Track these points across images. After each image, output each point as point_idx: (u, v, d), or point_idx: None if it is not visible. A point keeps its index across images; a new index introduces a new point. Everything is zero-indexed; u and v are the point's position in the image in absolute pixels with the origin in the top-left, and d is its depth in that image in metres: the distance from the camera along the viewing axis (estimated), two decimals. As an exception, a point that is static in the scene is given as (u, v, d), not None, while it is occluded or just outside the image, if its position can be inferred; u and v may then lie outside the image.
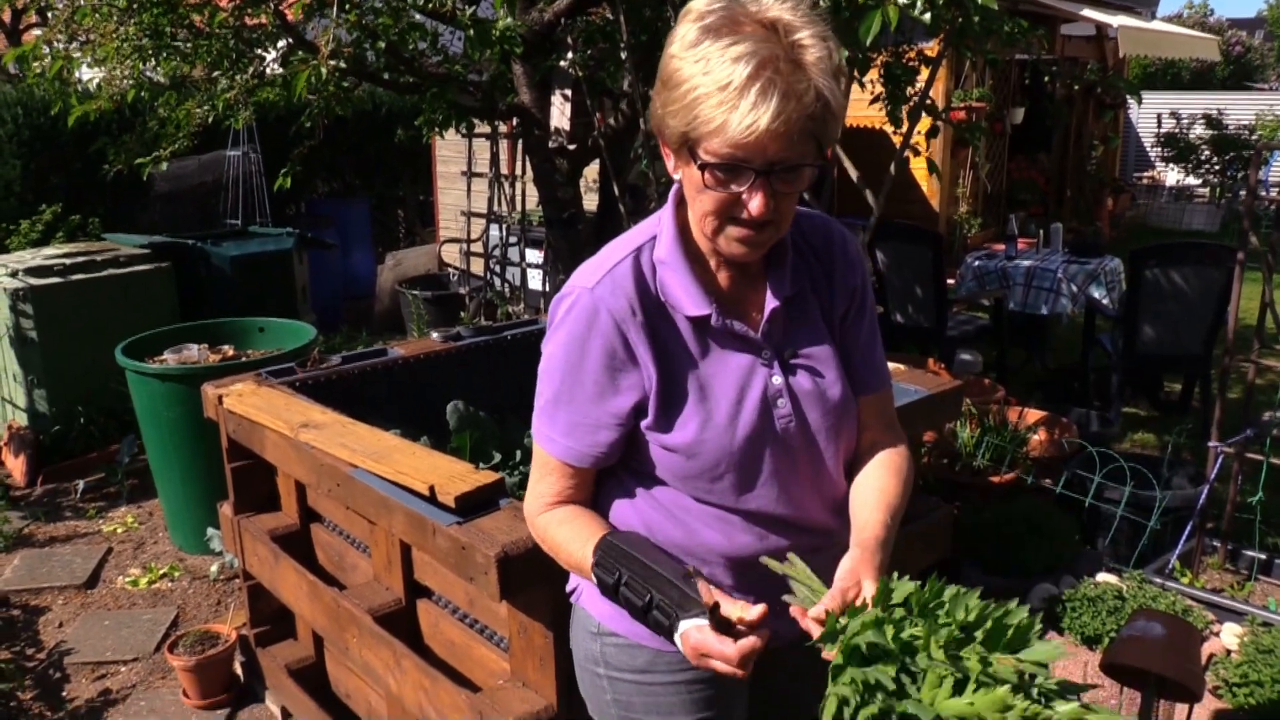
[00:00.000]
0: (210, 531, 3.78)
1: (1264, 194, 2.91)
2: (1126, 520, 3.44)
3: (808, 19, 1.27)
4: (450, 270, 7.97)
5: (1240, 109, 15.15)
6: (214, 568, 3.91)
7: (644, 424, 1.42)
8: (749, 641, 1.24)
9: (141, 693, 3.21)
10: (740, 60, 1.22)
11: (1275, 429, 3.94)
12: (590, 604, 1.55)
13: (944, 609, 1.24)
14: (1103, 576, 3.03)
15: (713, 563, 1.48)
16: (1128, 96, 12.49)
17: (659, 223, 1.47)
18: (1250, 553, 3.24)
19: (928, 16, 2.28)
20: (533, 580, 1.90)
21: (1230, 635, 2.75)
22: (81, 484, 4.72)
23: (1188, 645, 2.03)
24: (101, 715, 3.10)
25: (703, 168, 1.28)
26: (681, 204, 1.45)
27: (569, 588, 1.61)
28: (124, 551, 4.19)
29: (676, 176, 1.39)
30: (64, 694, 3.23)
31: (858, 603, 1.27)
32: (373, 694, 2.78)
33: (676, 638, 1.29)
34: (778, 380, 1.44)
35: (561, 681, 2.01)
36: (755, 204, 1.29)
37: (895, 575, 1.31)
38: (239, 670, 3.22)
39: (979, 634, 1.21)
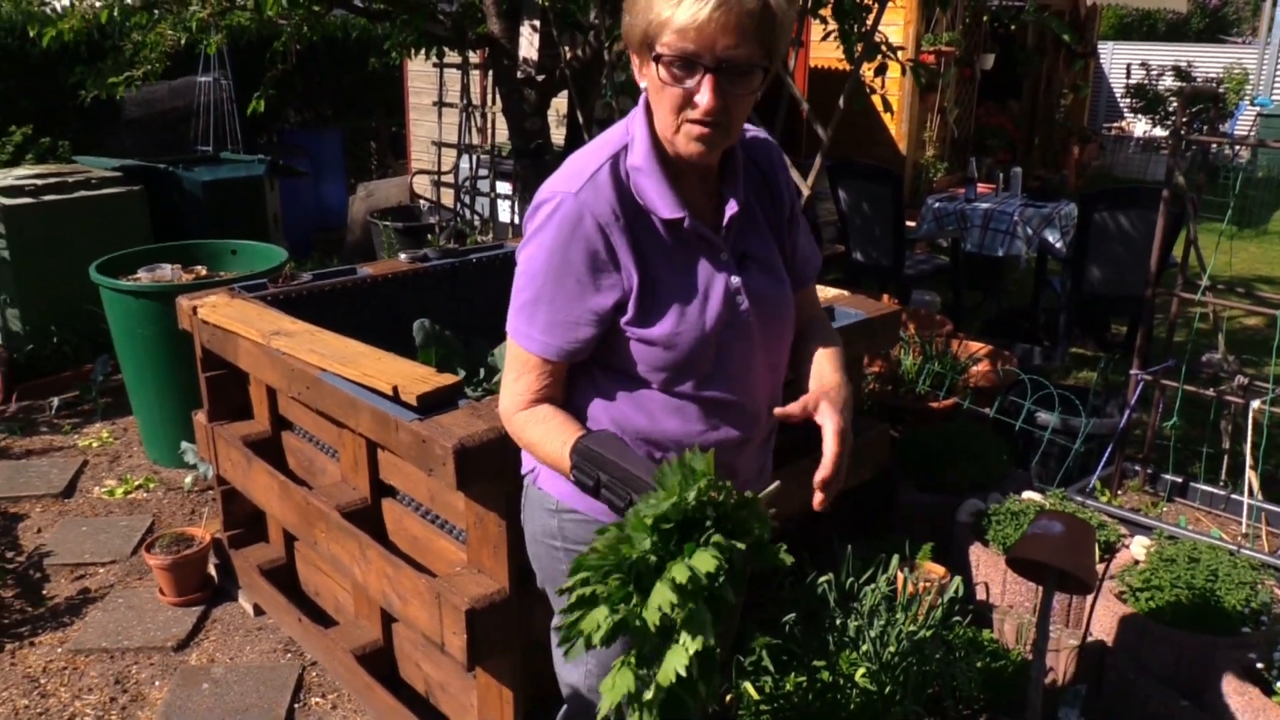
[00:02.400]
0: (184, 445, 3.91)
1: (1190, 137, 3.04)
2: (1057, 445, 3.66)
3: None
4: (422, 201, 8.04)
5: (1210, 61, 15.30)
6: (188, 479, 4.06)
7: (624, 320, 1.55)
8: None
9: (119, 591, 3.37)
10: None
11: (1213, 369, 4.16)
12: (548, 484, 1.70)
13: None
14: (1028, 494, 3.23)
15: (669, 448, 1.63)
16: (1098, 45, 12.59)
17: (627, 131, 1.57)
18: (1167, 476, 3.45)
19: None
20: (488, 471, 2.07)
21: (1139, 547, 2.97)
22: (56, 401, 4.83)
23: (1083, 541, 2.23)
24: (81, 611, 3.26)
25: (657, 59, 1.42)
26: (650, 112, 1.56)
27: (524, 469, 1.77)
28: (100, 464, 4.33)
29: (644, 85, 1.51)
30: (44, 592, 3.38)
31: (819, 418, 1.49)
32: (340, 590, 2.96)
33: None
34: (735, 279, 1.60)
35: (514, 567, 2.19)
36: (704, 98, 1.43)
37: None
38: (213, 572, 3.38)
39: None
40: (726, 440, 1.64)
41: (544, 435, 1.57)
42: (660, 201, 1.53)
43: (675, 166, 1.56)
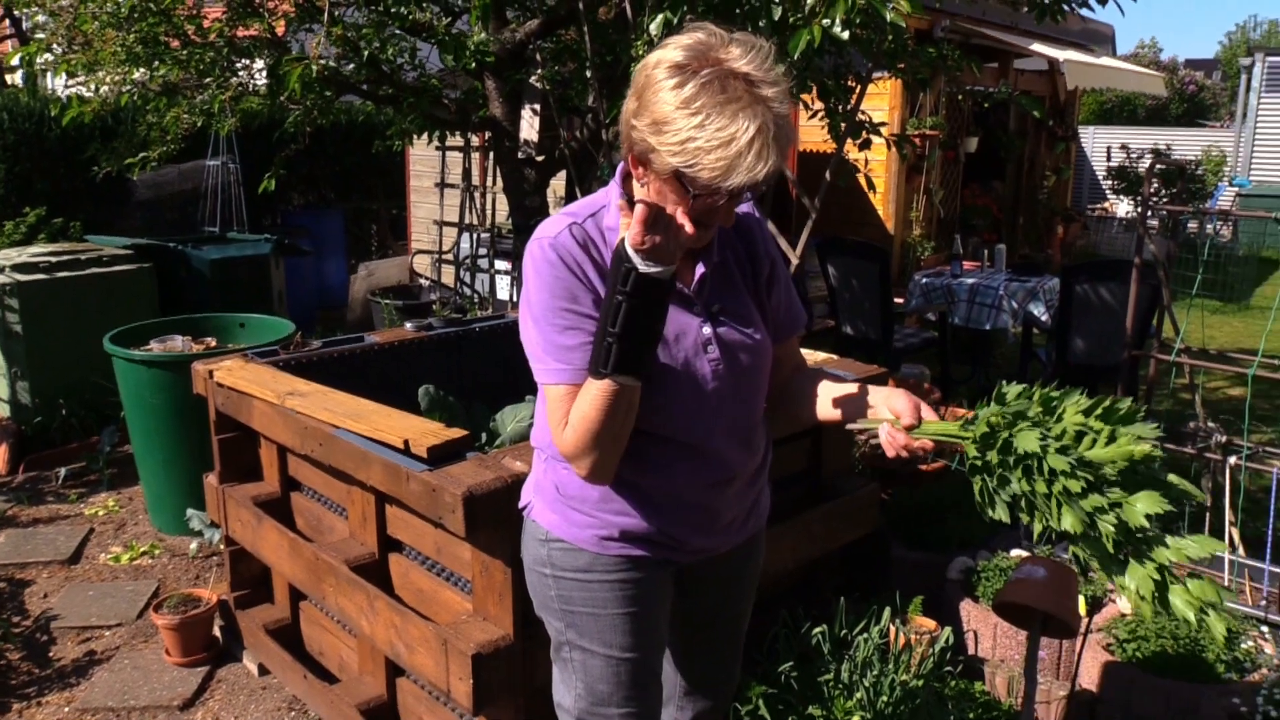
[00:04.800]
0: (190, 512, 3.99)
1: (1160, 207, 3.22)
2: (1044, 506, 3.75)
3: (768, 72, 1.52)
4: (422, 280, 8.22)
5: (1189, 144, 15.78)
6: (193, 545, 4.13)
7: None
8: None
9: (126, 653, 3.42)
10: (738, 118, 1.47)
11: (1194, 434, 4.28)
12: (539, 516, 1.82)
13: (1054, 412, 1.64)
14: (1016, 551, 3.32)
15: (644, 487, 1.74)
16: (1079, 129, 13.00)
17: (607, 195, 1.75)
18: (1152, 535, 3.55)
19: (846, 34, 2.60)
20: (494, 519, 2.17)
21: (1125, 601, 3.06)
22: (63, 471, 4.91)
23: (1067, 585, 2.32)
24: (88, 672, 3.31)
25: (695, 197, 1.55)
26: (626, 180, 1.72)
27: (521, 504, 1.88)
28: (105, 532, 4.39)
29: (640, 184, 1.63)
30: (51, 654, 3.43)
31: (925, 415, 1.69)
32: (344, 648, 3.02)
33: (627, 247, 1.52)
34: (707, 330, 1.74)
35: (518, 615, 2.28)
36: (726, 219, 1.63)
37: (1004, 382, 1.74)
38: (218, 633, 3.43)
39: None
40: (699, 482, 1.76)
41: (580, 399, 1.63)
42: None
43: None
